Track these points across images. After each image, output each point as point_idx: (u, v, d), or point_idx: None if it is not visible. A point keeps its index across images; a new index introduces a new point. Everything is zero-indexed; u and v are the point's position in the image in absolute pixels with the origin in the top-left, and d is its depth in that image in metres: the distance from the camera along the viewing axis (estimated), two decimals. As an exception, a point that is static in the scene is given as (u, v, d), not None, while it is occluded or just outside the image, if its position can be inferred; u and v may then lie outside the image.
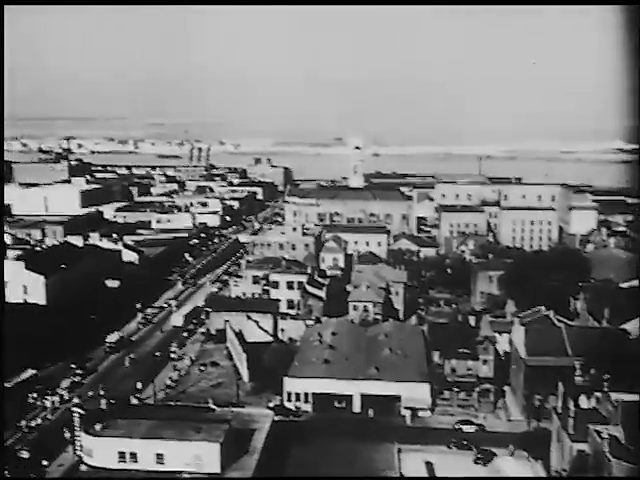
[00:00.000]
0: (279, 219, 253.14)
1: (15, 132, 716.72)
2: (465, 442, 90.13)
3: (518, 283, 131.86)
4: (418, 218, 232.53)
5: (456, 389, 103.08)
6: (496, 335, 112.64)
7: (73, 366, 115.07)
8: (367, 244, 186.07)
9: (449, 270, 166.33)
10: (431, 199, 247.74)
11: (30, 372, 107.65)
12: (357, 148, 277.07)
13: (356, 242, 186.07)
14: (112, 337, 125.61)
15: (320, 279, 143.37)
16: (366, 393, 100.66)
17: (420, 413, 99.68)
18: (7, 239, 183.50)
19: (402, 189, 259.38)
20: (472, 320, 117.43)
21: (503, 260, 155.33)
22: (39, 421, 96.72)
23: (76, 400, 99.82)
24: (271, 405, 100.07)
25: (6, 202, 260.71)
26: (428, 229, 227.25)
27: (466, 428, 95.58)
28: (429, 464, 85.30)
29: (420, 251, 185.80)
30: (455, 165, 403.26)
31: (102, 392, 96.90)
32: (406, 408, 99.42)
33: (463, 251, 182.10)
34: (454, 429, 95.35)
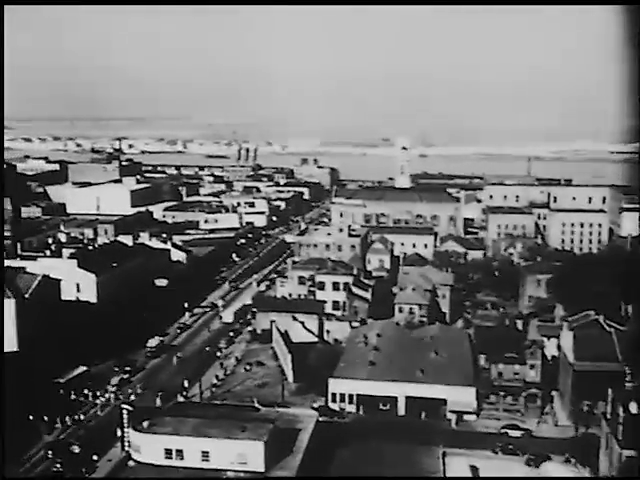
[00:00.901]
0: (325, 220, 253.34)
1: (71, 132, 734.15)
2: (511, 447, 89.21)
3: (567, 286, 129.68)
4: (465, 220, 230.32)
5: (502, 393, 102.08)
6: (544, 339, 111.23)
7: (120, 364, 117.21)
8: (413, 246, 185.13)
9: (496, 273, 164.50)
10: (479, 200, 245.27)
11: (81, 369, 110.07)
12: (404, 149, 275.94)
13: (402, 244, 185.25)
14: (152, 342, 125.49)
15: (366, 280, 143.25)
16: (411, 395, 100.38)
17: (466, 417, 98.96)
18: (62, 237, 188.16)
19: (449, 190, 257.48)
20: (519, 324, 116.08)
21: (552, 263, 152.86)
22: (90, 417, 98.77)
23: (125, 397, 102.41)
24: (315, 406, 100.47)
25: (61, 201, 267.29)
26: (475, 231, 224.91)
27: (512, 433, 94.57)
28: (474, 468, 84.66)
29: (467, 253, 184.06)
30: (503, 166, 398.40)
31: (151, 390, 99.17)
32: (451, 412, 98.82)
33: (511, 253, 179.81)
34: (500, 434, 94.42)
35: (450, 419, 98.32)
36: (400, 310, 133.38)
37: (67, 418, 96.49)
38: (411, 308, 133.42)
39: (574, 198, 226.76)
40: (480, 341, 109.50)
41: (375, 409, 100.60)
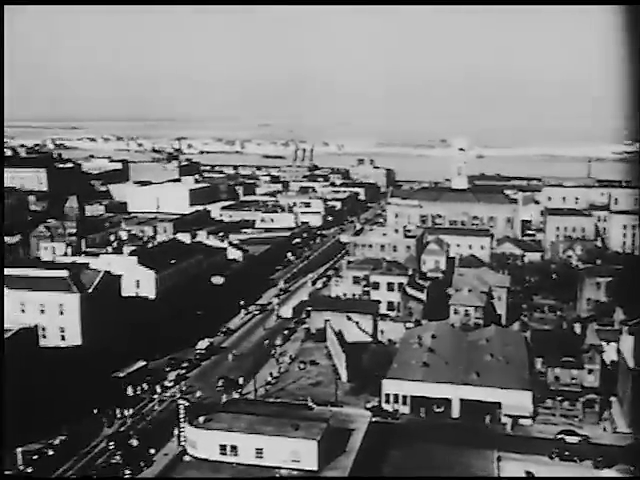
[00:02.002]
0: (381, 220, 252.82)
1: (132, 132, 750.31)
2: (567, 453, 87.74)
3: (628, 290, 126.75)
4: (523, 221, 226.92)
5: (559, 398, 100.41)
6: (603, 344, 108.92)
7: (176, 360, 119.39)
8: (469, 247, 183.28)
9: (554, 275, 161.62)
10: (537, 202, 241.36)
11: (140, 363, 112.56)
12: (461, 150, 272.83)
13: (458, 245, 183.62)
14: (202, 344, 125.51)
15: (421, 281, 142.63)
16: (465, 398, 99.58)
17: (521, 421, 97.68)
18: (123, 235, 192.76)
19: (507, 192, 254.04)
20: (578, 328, 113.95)
21: (612, 266, 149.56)
22: (148, 411, 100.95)
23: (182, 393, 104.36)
24: (369, 406, 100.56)
25: (123, 199, 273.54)
26: (533, 233, 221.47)
27: (569, 439, 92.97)
28: (529, 474, 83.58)
29: (524, 255, 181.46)
30: (562, 167, 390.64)
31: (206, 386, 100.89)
32: (507, 415, 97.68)
33: (570, 256, 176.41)
34: (557, 439, 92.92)
35: (505, 423, 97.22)
36: (455, 312, 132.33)
37: (126, 412, 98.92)
38: (466, 310, 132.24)
39: (636, 200, 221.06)
40: (537, 344, 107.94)
41: (429, 411, 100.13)
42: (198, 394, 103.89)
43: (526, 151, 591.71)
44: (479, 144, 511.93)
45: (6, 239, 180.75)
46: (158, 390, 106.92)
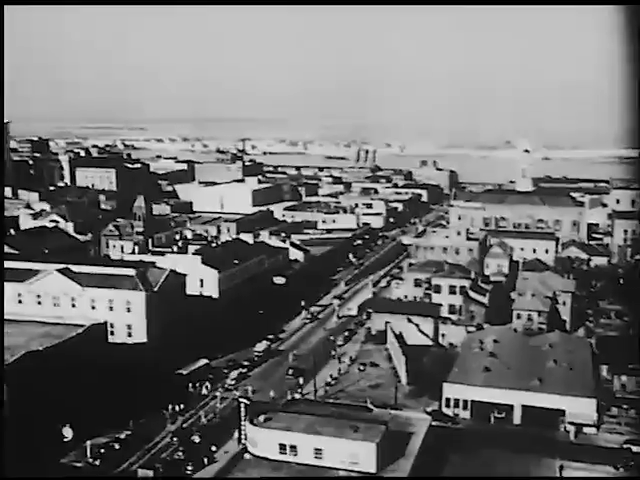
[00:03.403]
0: (443, 222, 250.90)
1: (198, 133, 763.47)
2: (633, 463, 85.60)
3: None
4: (589, 225, 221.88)
5: (625, 406, 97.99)
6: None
7: (238, 359, 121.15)
8: (534, 251, 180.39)
9: (621, 280, 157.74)
10: (604, 205, 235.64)
11: (202, 361, 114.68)
12: (526, 151, 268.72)
13: (522, 248, 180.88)
14: (260, 346, 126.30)
15: (483, 285, 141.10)
16: (528, 404, 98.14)
17: (585, 429, 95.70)
18: (188, 234, 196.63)
19: (573, 194, 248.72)
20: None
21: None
22: (210, 409, 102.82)
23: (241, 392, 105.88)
24: (429, 410, 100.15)
25: (188, 199, 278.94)
26: (600, 237, 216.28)
27: (636, 449, 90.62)
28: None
29: (591, 260, 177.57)
30: (632, 170, 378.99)
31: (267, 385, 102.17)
32: (570, 423, 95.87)
33: (638, 260, 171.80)
34: (622, 449, 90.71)
35: (568, 431, 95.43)
36: (518, 316, 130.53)
37: (188, 408, 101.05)
38: (530, 314, 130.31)
39: None
40: (602, 351, 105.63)
41: (490, 417, 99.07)
42: (272, 394, 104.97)
43: (594, 153, 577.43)
44: (545, 145, 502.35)
45: (79, 237, 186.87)
46: (220, 388, 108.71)
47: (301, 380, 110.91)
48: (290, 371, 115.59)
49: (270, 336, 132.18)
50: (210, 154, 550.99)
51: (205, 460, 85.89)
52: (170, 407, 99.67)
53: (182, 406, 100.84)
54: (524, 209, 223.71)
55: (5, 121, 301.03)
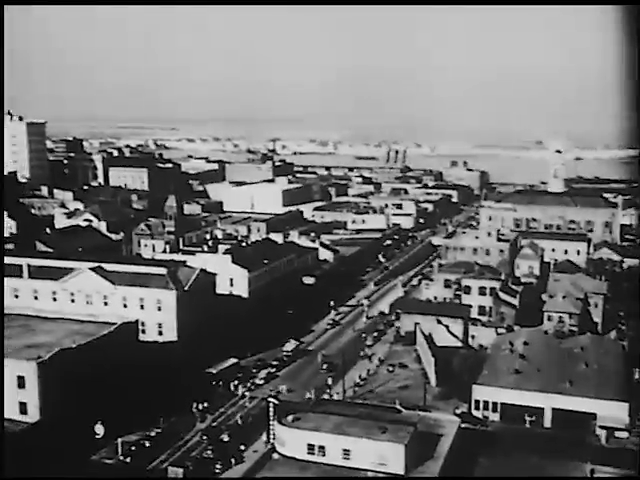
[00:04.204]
0: (474, 223, 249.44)
1: (229, 133, 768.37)
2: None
3: None
4: (622, 226, 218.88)
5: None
6: None
7: (267, 358, 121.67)
8: (565, 252, 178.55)
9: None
10: (638, 206, 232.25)
11: (232, 361, 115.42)
12: (558, 151, 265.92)
13: (553, 250, 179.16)
14: (289, 346, 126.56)
15: (514, 286, 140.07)
16: (558, 408, 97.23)
17: (617, 433, 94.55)
18: (218, 234, 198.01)
19: (606, 195, 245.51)
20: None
21: None
22: (239, 408, 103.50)
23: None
24: (458, 412, 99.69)
25: (218, 199, 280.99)
26: (633, 238, 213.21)
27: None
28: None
29: (623, 261, 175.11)
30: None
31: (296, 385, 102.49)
32: (601, 427, 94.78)
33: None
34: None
35: (599, 435, 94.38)
36: (549, 318, 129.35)
37: (218, 407, 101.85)
38: (561, 317, 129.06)
39: None
40: (635, 354, 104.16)
41: (520, 419, 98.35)
42: (308, 396, 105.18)
43: (627, 153, 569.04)
44: (577, 146, 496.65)
45: (112, 236, 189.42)
46: (249, 387, 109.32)
47: (330, 380, 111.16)
48: (324, 365, 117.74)
49: (298, 336, 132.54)
50: (241, 154, 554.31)
51: (234, 459, 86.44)
52: (199, 405, 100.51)
53: (211, 405, 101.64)
54: (555, 210, 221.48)
55: (41, 121, 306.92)
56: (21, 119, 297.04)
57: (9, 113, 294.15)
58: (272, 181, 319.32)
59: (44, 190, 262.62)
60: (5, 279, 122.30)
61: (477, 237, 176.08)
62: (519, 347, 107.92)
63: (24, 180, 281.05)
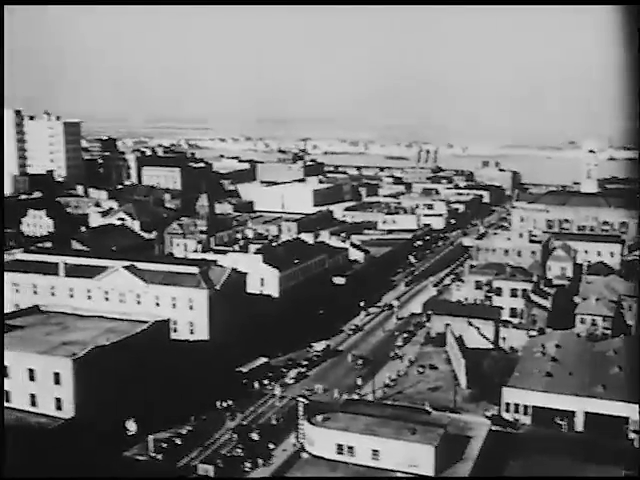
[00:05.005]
0: (505, 224, 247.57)
1: (260, 133, 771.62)
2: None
3: None
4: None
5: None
6: None
7: (297, 358, 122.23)
8: (598, 254, 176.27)
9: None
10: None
11: (262, 360, 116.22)
12: (591, 152, 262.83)
13: (586, 251, 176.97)
14: (319, 346, 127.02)
15: (546, 288, 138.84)
16: (591, 411, 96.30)
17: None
18: (249, 233, 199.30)
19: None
20: None
21: None
22: (268, 407, 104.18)
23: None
24: (488, 414, 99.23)
25: (250, 199, 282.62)
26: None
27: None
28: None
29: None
30: None
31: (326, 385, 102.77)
32: (635, 432, 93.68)
33: None
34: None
35: (633, 439, 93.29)
36: (582, 321, 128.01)
37: (248, 406, 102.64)
38: (594, 319, 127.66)
39: None
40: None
41: (551, 423, 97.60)
42: (336, 395, 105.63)
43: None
44: (611, 146, 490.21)
45: (145, 235, 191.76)
46: (279, 387, 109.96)
47: (360, 380, 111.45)
48: (359, 360, 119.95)
49: (328, 336, 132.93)
50: (272, 154, 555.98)
51: (263, 458, 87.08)
52: (229, 404, 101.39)
53: (241, 403, 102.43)
54: (589, 211, 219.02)
55: (77, 120, 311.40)
56: (58, 119, 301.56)
57: (46, 113, 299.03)
58: (303, 181, 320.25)
59: (79, 189, 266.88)
60: (43, 277, 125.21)
61: (509, 238, 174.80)
62: (551, 350, 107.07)
63: (60, 179, 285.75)
